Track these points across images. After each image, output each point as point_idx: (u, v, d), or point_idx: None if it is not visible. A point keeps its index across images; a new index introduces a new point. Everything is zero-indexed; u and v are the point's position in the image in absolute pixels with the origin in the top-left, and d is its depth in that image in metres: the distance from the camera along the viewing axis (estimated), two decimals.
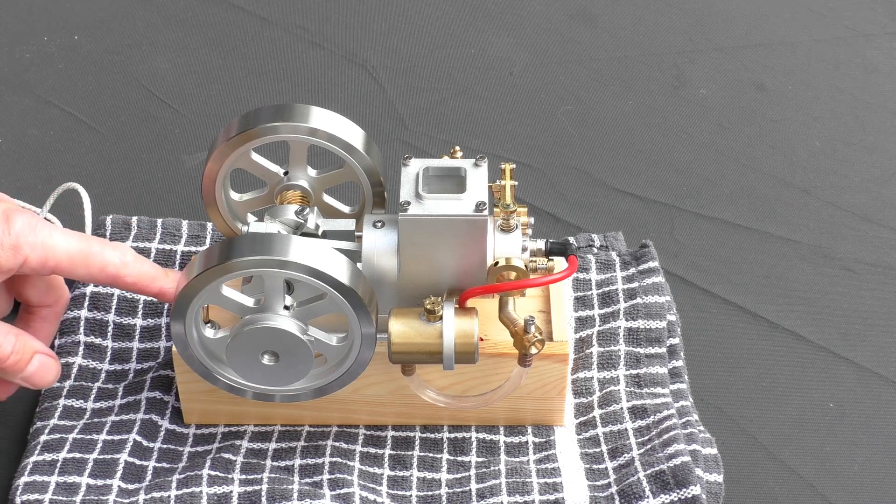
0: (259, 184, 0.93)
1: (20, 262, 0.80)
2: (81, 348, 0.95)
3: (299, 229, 0.87)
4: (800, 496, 0.90)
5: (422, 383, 0.88)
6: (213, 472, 0.86)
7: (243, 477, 0.86)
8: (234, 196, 0.93)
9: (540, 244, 0.88)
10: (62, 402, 0.91)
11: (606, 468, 0.88)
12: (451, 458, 0.90)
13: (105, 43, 1.27)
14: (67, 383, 0.93)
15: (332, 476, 0.87)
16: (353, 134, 0.89)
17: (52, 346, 0.94)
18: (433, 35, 1.30)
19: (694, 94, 1.23)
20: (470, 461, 0.90)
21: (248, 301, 0.82)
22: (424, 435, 0.91)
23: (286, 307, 0.82)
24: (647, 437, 0.89)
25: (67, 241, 0.82)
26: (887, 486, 0.90)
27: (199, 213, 1.01)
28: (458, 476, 0.89)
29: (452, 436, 0.91)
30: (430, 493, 0.88)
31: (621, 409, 0.91)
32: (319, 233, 0.88)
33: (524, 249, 0.86)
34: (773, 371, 0.98)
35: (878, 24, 1.32)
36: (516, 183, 0.88)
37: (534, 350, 0.84)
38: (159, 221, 1.03)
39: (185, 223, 1.03)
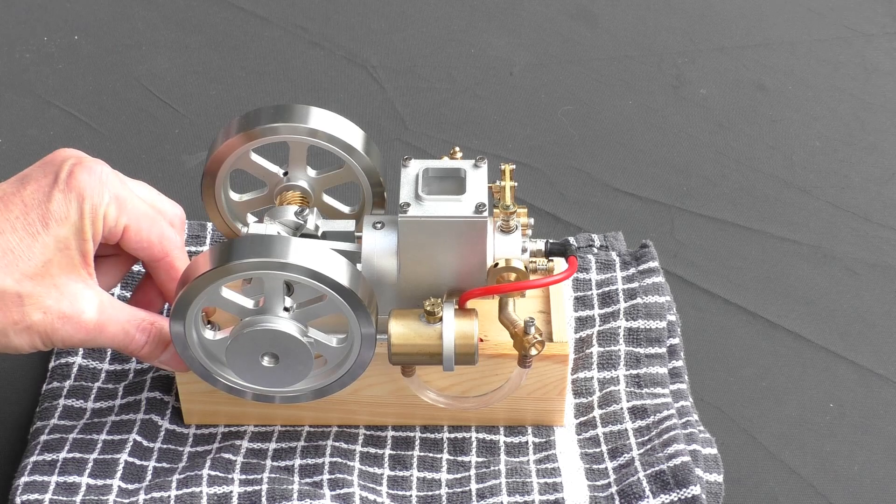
0: (259, 184, 0.93)
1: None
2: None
3: (299, 230, 0.87)
4: (800, 496, 0.90)
5: (422, 384, 0.88)
6: (213, 472, 0.86)
7: (243, 477, 0.86)
8: (234, 196, 0.93)
9: (540, 245, 0.88)
10: (62, 402, 0.91)
11: (606, 468, 0.88)
12: (451, 458, 0.90)
13: (105, 43, 1.27)
14: (67, 383, 0.93)
15: (332, 476, 0.87)
16: (352, 134, 0.89)
17: None
18: (433, 35, 1.30)
19: (694, 94, 1.23)
20: (470, 461, 0.90)
21: (248, 303, 0.82)
22: (424, 435, 0.91)
23: (286, 309, 0.82)
24: (647, 437, 0.89)
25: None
26: (887, 486, 0.90)
27: (199, 213, 1.01)
28: (458, 476, 0.89)
29: (452, 436, 0.91)
30: (430, 493, 0.88)
31: (621, 409, 0.91)
32: (319, 234, 0.88)
33: (524, 250, 0.86)
34: (773, 371, 0.98)
35: (878, 24, 1.32)
36: (516, 184, 0.88)
37: (534, 351, 0.84)
38: None
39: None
